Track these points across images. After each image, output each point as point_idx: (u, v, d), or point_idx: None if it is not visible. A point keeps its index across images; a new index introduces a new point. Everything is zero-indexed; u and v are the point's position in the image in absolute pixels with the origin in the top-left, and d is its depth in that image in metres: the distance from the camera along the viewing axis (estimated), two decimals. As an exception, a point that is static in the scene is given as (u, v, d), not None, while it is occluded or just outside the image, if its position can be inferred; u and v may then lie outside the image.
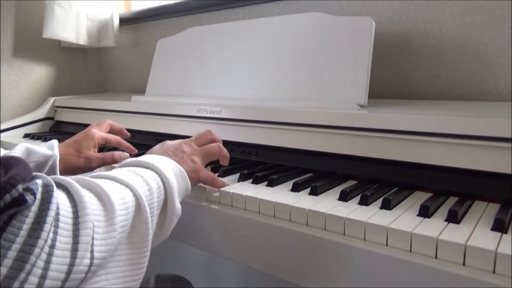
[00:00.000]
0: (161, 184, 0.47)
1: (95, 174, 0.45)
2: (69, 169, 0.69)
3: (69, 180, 0.38)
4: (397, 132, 0.57)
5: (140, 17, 1.43)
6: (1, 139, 1.11)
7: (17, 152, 0.63)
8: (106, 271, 0.39)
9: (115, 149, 0.79)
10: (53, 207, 0.32)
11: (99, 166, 0.71)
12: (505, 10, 0.76)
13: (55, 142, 0.68)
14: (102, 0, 1.42)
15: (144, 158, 0.50)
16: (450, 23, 0.82)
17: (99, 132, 0.73)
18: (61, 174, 0.66)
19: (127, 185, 0.43)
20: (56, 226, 0.33)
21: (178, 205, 0.49)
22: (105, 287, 0.38)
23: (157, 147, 0.58)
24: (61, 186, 0.37)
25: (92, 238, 0.35)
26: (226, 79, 0.90)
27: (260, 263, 0.52)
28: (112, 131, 0.79)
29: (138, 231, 0.42)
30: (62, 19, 1.33)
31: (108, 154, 0.71)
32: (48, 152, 0.65)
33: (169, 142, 0.59)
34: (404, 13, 0.88)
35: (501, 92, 0.78)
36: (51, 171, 0.65)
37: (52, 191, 0.33)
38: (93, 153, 0.71)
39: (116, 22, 1.44)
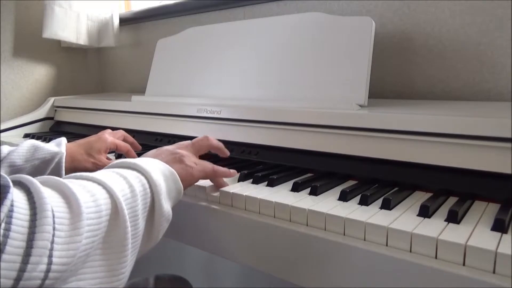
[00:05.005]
0: (147, 186, 0.45)
1: (73, 174, 0.43)
2: (76, 169, 0.68)
3: (33, 180, 0.36)
4: (397, 132, 0.57)
5: (140, 17, 1.43)
6: (1, 139, 1.11)
7: (23, 148, 0.64)
8: (78, 277, 0.36)
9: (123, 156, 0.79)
10: (3, 209, 0.31)
11: None
12: (505, 10, 0.76)
13: (63, 139, 0.69)
14: (102, 0, 1.42)
15: (130, 159, 0.48)
16: (450, 23, 0.82)
17: (111, 137, 0.74)
18: (67, 172, 0.66)
19: (104, 186, 0.41)
20: (8, 230, 0.31)
21: (166, 208, 0.47)
22: None
23: (151, 151, 0.57)
24: (23, 186, 0.35)
25: (52, 242, 0.33)
26: (226, 79, 0.90)
27: (260, 263, 0.52)
28: (125, 141, 0.79)
29: (115, 234, 0.40)
30: (62, 19, 1.33)
31: None
32: (55, 149, 0.65)
33: (164, 147, 0.58)
34: (404, 13, 0.88)
35: (501, 92, 0.78)
36: (57, 168, 0.65)
37: (6, 192, 0.32)
38: (103, 158, 0.71)
39: (116, 22, 1.44)
